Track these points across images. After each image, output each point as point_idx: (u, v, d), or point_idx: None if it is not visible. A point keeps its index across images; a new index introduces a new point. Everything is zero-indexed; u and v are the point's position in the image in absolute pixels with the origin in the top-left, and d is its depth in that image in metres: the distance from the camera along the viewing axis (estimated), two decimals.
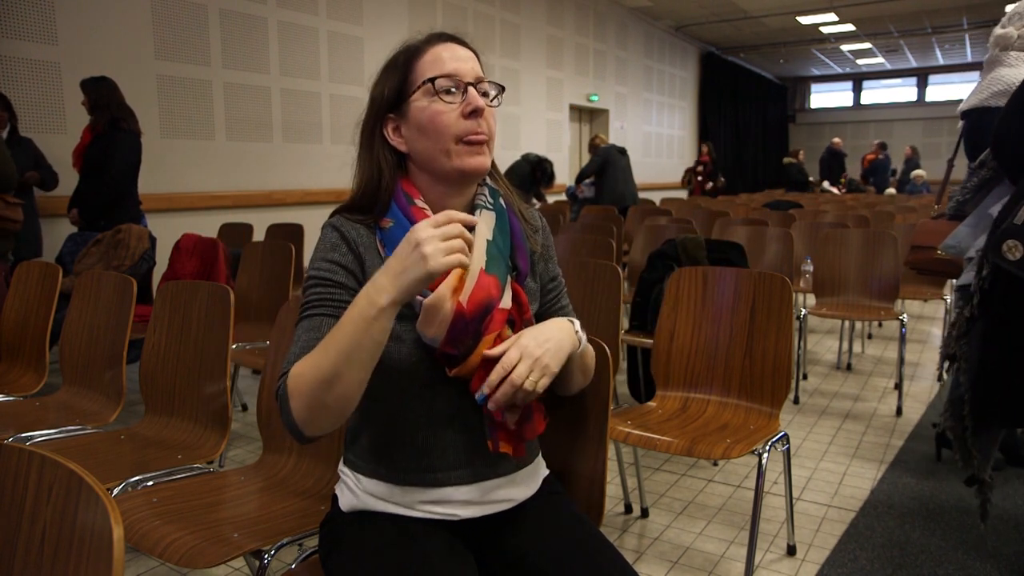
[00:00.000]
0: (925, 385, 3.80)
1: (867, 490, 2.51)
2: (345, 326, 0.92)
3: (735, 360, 2.07)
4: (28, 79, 4.22)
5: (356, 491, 1.11)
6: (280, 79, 5.70)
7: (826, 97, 18.84)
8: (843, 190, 11.73)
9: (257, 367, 2.69)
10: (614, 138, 10.51)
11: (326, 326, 1.00)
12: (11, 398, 2.17)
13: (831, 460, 2.80)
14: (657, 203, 7.83)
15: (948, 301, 4.15)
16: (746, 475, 2.66)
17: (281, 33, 5.68)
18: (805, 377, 3.92)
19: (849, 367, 4.16)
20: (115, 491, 1.51)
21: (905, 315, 3.37)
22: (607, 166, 7.01)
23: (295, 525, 1.33)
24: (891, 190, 11.34)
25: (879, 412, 3.36)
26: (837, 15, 11.64)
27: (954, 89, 16.84)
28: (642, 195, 7.58)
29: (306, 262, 4.11)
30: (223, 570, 2.00)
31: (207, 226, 4.48)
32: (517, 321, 1.07)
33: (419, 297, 1.00)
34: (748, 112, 15.70)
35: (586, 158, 8.04)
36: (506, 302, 1.05)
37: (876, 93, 18.08)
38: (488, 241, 1.06)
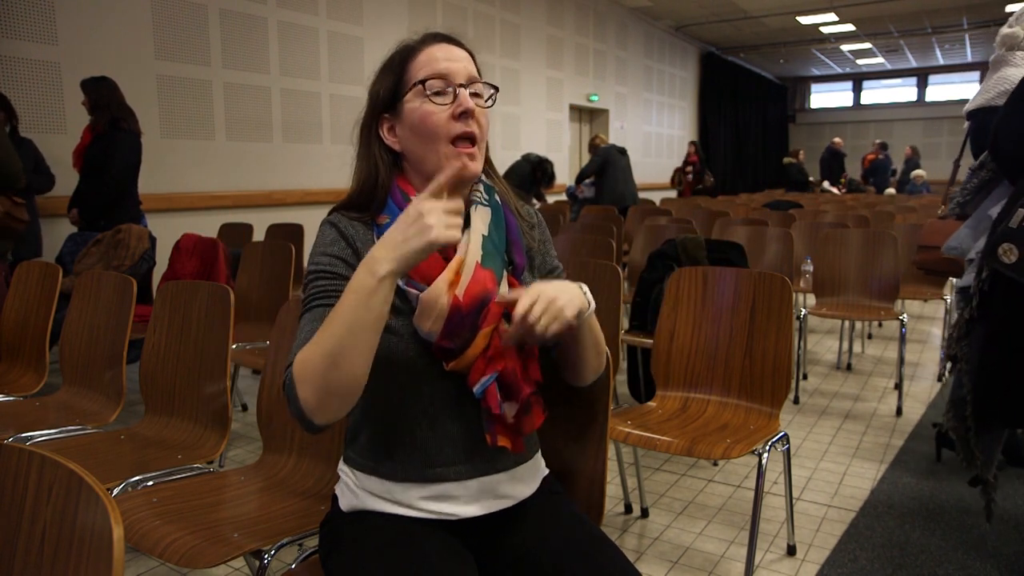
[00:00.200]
0: (925, 385, 3.80)
1: (867, 490, 2.51)
2: (345, 301, 0.92)
3: (735, 360, 2.07)
4: (28, 79, 4.22)
5: (356, 491, 1.11)
6: (280, 79, 5.70)
7: (826, 97, 18.84)
8: (843, 190, 11.73)
9: (257, 367, 2.69)
10: (614, 138, 10.51)
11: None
12: (11, 398, 2.17)
13: (831, 460, 2.80)
14: (657, 203, 7.83)
15: (948, 301, 4.15)
16: (746, 475, 2.66)
17: (281, 33, 5.68)
18: (805, 377, 3.92)
19: (849, 367, 4.16)
20: (115, 491, 1.51)
21: (905, 315, 3.37)
22: (607, 166, 7.01)
23: (295, 525, 1.33)
24: (891, 190, 11.34)
25: (879, 412, 3.36)
26: (837, 15, 11.64)
27: (954, 89, 16.84)
28: (642, 195, 7.58)
29: (306, 262, 4.12)
30: (223, 570, 2.00)
31: (207, 226, 4.49)
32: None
33: (415, 291, 1.01)
34: (748, 112, 15.69)
35: (586, 158, 8.04)
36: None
37: (876, 93, 18.08)
38: (484, 236, 1.07)
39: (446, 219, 0.89)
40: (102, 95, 3.68)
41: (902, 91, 17.69)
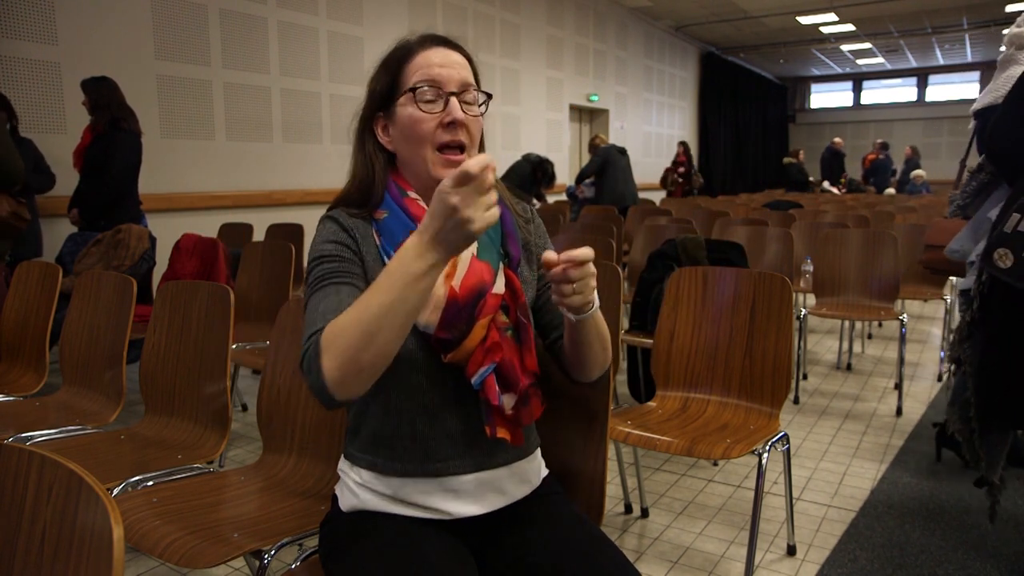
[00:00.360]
0: (925, 385, 3.80)
1: (867, 490, 2.51)
2: (392, 278, 0.90)
3: (735, 360, 2.07)
4: (28, 79, 4.22)
5: (356, 490, 1.11)
6: (280, 79, 5.70)
7: (826, 97, 18.84)
8: (843, 190, 11.73)
9: (257, 367, 2.69)
10: (614, 138, 10.51)
11: (345, 292, 1.00)
12: (11, 398, 2.17)
13: (831, 460, 2.80)
14: (657, 203, 7.83)
15: (948, 301, 4.16)
16: (746, 475, 2.66)
17: (281, 33, 5.68)
18: (805, 377, 3.92)
19: (849, 367, 4.16)
20: (115, 491, 1.51)
21: (905, 315, 3.37)
22: (607, 166, 7.01)
23: (295, 525, 1.33)
24: (891, 190, 11.34)
25: (879, 412, 3.36)
26: (837, 15, 11.64)
27: (954, 89, 16.84)
28: (642, 195, 7.57)
29: (306, 262, 4.12)
30: (223, 570, 2.00)
31: (207, 226, 4.49)
32: (511, 306, 1.08)
33: None
34: (748, 112, 15.69)
35: (586, 158, 8.03)
36: (499, 287, 1.07)
37: (876, 93, 18.08)
38: None
39: (484, 204, 0.87)
40: (102, 95, 3.68)
41: (902, 91, 17.69)
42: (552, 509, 1.13)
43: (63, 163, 4.03)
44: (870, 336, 4.94)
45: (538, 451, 1.20)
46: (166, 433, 1.84)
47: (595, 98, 10.43)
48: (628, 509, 2.38)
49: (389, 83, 1.10)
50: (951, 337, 1.89)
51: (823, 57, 15.98)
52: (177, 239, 3.57)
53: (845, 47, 14.61)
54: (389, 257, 1.05)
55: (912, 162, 11.89)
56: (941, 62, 16.36)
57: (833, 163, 12.09)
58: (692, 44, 13.69)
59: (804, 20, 12.01)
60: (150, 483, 1.54)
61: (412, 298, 0.90)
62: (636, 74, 11.64)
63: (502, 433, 1.05)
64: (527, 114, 8.89)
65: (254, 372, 3.60)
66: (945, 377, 3.89)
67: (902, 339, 3.43)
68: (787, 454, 2.02)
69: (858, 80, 18.25)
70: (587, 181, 7.22)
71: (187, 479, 1.54)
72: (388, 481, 1.08)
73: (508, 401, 1.04)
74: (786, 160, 12.16)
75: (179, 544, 1.23)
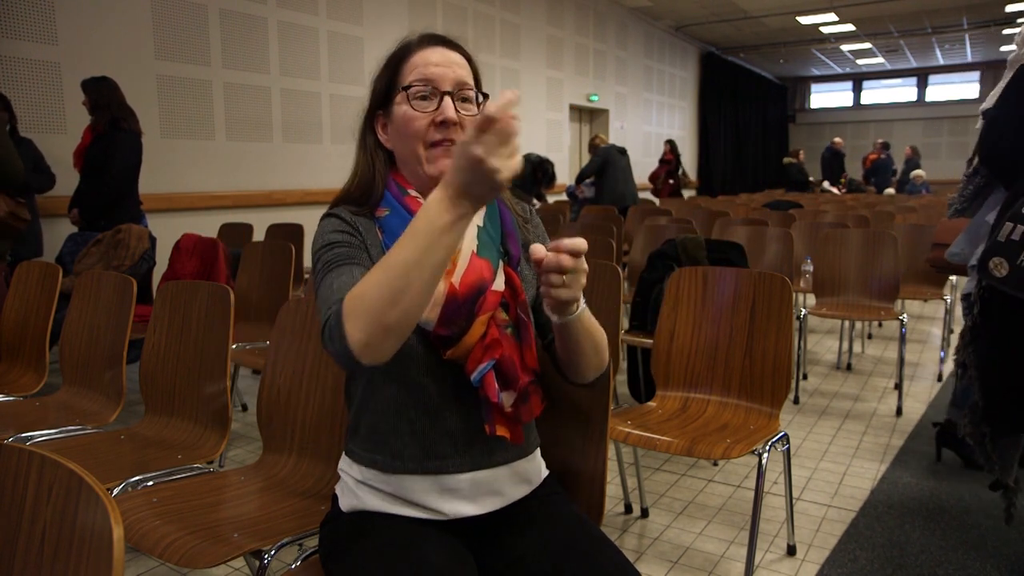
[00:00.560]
0: (925, 385, 3.80)
1: (867, 490, 2.51)
2: (417, 233, 0.88)
3: (735, 360, 2.07)
4: (28, 79, 4.22)
5: (356, 490, 1.11)
6: (280, 79, 5.70)
7: (826, 97, 18.84)
8: (843, 190, 11.73)
9: (257, 367, 2.69)
10: (614, 138, 10.50)
11: (358, 272, 1.00)
12: (11, 398, 2.17)
13: (831, 460, 2.80)
14: (657, 203, 7.83)
15: (948, 301, 4.16)
16: (746, 475, 2.65)
17: (281, 33, 5.68)
18: (805, 377, 3.92)
19: (849, 367, 4.16)
20: (115, 491, 1.51)
21: (905, 315, 3.37)
22: (607, 166, 7.01)
23: (295, 525, 1.33)
24: (890, 190, 11.34)
25: (879, 412, 3.36)
26: (837, 15, 11.64)
27: (954, 89, 16.84)
28: (642, 195, 7.58)
29: (306, 262, 4.12)
30: (223, 570, 2.00)
31: (207, 226, 4.49)
32: (511, 304, 1.08)
33: None
34: (748, 112, 15.69)
35: (586, 158, 8.03)
36: (499, 285, 1.07)
37: (876, 93, 18.08)
38: (479, 227, 1.09)
39: (508, 152, 0.84)
40: (102, 95, 3.68)
41: (902, 91, 17.69)
42: (552, 509, 1.13)
43: (63, 163, 4.03)
44: (870, 336, 4.94)
45: (538, 451, 1.20)
46: (166, 433, 1.84)
47: (595, 98, 10.43)
48: (628, 509, 2.38)
49: (388, 82, 1.11)
50: (956, 341, 1.88)
51: (823, 57, 15.98)
52: (177, 239, 3.57)
53: (845, 47, 14.61)
54: None
55: (912, 162, 11.89)
56: (941, 62, 16.36)
57: (833, 163, 12.09)
58: (692, 44, 13.69)
59: (804, 20, 12.01)
60: (150, 483, 1.54)
61: (439, 252, 0.88)
62: (636, 74, 11.64)
63: (501, 431, 1.05)
64: (527, 114, 8.88)
65: (254, 372, 3.60)
66: (945, 377, 3.89)
67: (902, 339, 3.43)
68: (787, 454, 2.02)
69: (858, 80, 18.24)
70: (587, 181, 7.22)
71: (187, 479, 1.54)
72: (388, 479, 1.08)
73: (507, 398, 1.04)
74: (786, 160, 12.16)
75: (179, 544, 1.23)
